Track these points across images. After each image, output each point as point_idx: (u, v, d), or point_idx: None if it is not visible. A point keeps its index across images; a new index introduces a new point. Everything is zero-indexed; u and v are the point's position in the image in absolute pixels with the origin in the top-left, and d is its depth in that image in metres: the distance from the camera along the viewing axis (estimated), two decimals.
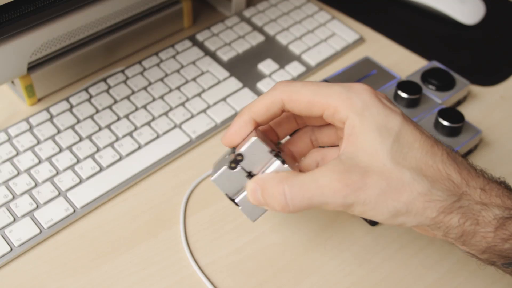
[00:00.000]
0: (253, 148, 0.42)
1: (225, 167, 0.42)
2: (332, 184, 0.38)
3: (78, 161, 0.55)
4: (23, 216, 0.51)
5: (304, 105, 0.41)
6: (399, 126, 0.39)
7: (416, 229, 0.43)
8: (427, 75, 0.61)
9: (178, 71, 0.64)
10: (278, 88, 0.42)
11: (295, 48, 0.67)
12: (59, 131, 0.57)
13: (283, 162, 0.41)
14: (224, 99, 0.61)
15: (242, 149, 0.42)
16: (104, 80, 0.62)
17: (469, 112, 0.61)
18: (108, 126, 0.58)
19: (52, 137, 0.56)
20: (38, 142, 0.56)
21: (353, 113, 0.40)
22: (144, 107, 0.60)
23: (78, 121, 0.58)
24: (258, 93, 0.62)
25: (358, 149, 0.39)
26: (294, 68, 0.65)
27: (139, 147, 0.56)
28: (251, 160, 0.42)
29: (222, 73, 0.64)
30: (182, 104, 0.60)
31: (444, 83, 0.60)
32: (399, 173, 0.38)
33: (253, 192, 0.40)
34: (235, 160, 0.42)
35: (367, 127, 0.39)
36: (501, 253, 0.39)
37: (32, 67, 0.59)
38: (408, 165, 0.38)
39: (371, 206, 0.38)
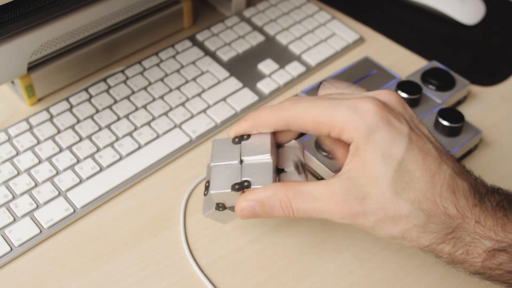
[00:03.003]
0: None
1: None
2: (330, 206, 0.40)
3: (78, 161, 0.55)
4: (23, 216, 0.51)
5: (310, 126, 0.42)
6: (403, 153, 0.39)
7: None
8: (427, 75, 0.61)
9: (178, 71, 0.64)
10: (284, 108, 0.42)
11: (295, 48, 0.67)
12: (59, 131, 0.57)
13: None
14: (224, 99, 0.61)
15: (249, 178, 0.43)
16: (104, 80, 0.62)
17: (469, 112, 0.61)
18: (108, 126, 0.58)
19: (52, 137, 0.56)
20: (38, 142, 0.56)
21: (357, 136, 0.40)
22: (144, 107, 0.60)
23: (78, 121, 0.58)
24: (258, 93, 0.62)
25: (359, 172, 0.40)
26: (294, 68, 0.65)
27: (139, 147, 0.56)
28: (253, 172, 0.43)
29: (222, 73, 0.64)
30: (182, 104, 0.60)
31: (444, 83, 0.60)
32: (397, 205, 0.39)
33: (251, 208, 0.42)
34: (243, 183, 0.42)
35: (370, 153, 0.39)
36: (490, 277, 0.41)
37: (32, 67, 0.59)
38: (407, 196, 0.39)
39: (369, 229, 0.40)
